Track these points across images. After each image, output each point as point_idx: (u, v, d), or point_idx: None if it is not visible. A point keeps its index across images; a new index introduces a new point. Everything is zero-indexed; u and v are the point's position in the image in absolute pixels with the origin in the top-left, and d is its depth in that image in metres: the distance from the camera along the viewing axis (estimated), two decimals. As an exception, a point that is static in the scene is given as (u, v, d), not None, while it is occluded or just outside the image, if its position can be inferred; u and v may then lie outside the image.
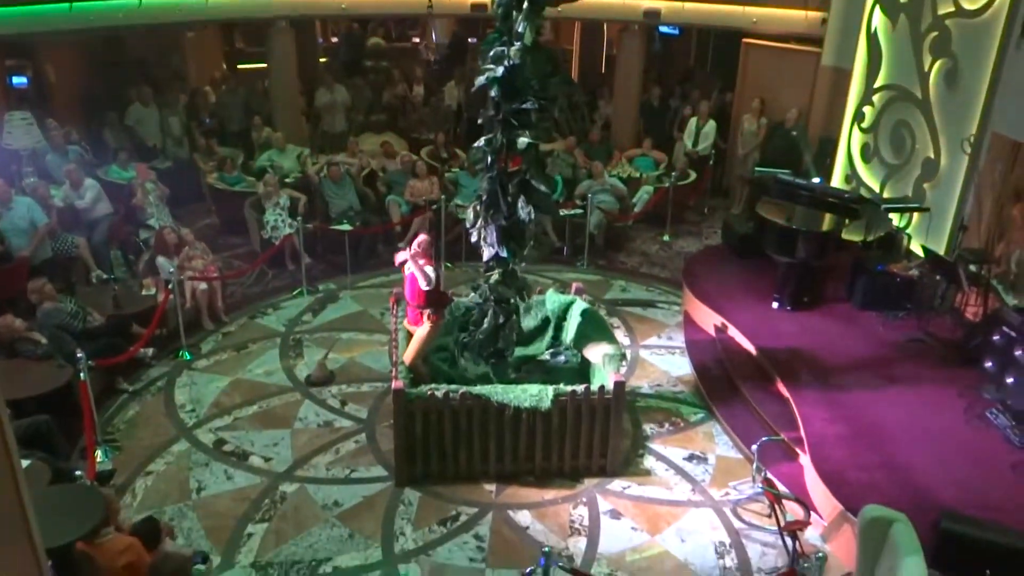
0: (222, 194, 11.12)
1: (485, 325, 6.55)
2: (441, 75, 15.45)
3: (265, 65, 12.97)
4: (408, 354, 6.59)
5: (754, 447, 6.43)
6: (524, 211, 6.15)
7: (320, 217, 10.56)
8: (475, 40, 18.65)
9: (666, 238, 11.64)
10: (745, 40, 12.46)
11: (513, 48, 5.85)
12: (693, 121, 12.57)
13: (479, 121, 6.21)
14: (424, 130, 13.72)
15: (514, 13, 5.82)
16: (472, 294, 6.77)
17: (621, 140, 13.23)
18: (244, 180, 11.36)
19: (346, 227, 10.09)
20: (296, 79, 12.78)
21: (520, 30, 5.79)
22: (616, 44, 14.26)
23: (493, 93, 6.03)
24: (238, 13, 12.15)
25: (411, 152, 12.36)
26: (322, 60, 16.62)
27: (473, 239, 6.42)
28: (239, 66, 15.72)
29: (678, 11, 12.43)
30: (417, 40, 18.59)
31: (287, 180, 11.28)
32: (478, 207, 6.30)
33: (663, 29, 15.66)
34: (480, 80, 6.02)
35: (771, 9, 11.86)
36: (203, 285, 8.63)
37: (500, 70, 5.89)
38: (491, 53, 5.96)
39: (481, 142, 6.18)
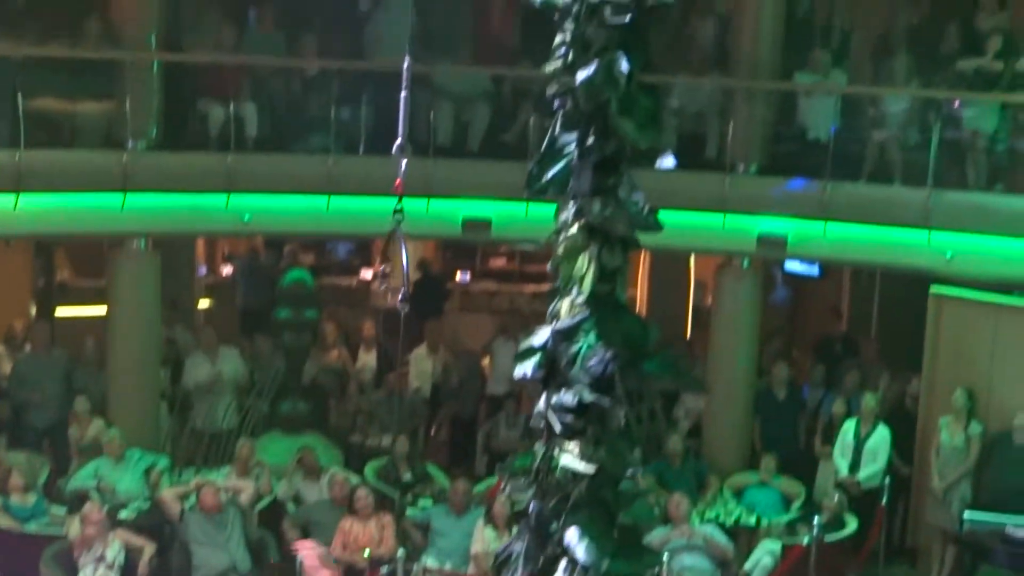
0: (3, 538, 11.10)
1: None
2: (406, 334, 16.02)
3: (104, 311, 13.56)
4: None
5: None
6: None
7: (177, 584, 10.48)
8: (467, 277, 19.62)
9: (808, 640, 11.42)
10: (936, 291, 13.00)
11: (568, 301, 6.15)
12: (850, 426, 12.76)
13: (519, 427, 6.37)
14: (373, 431, 13.97)
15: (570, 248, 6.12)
16: None
17: (721, 457, 13.43)
18: (46, 513, 11.37)
19: (223, 604, 9.98)
20: (156, 336, 13.31)
21: (580, 277, 6.08)
22: (711, 290, 14.91)
23: (527, 370, 6.23)
24: (68, 227, 12.91)
25: (349, 470, 12.50)
26: (202, 304, 17.32)
27: None
28: (59, 310, 16.37)
29: (816, 241, 13.16)
30: (369, 275, 19.46)
31: (123, 515, 11.30)
32: None
33: (792, 267, 16.43)
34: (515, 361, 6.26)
35: (976, 238, 12.50)
36: None
37: (540, 340, 6.15)
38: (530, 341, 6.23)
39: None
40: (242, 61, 13.55)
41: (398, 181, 7.33)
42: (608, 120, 6.08)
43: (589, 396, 6.08)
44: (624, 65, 5.94)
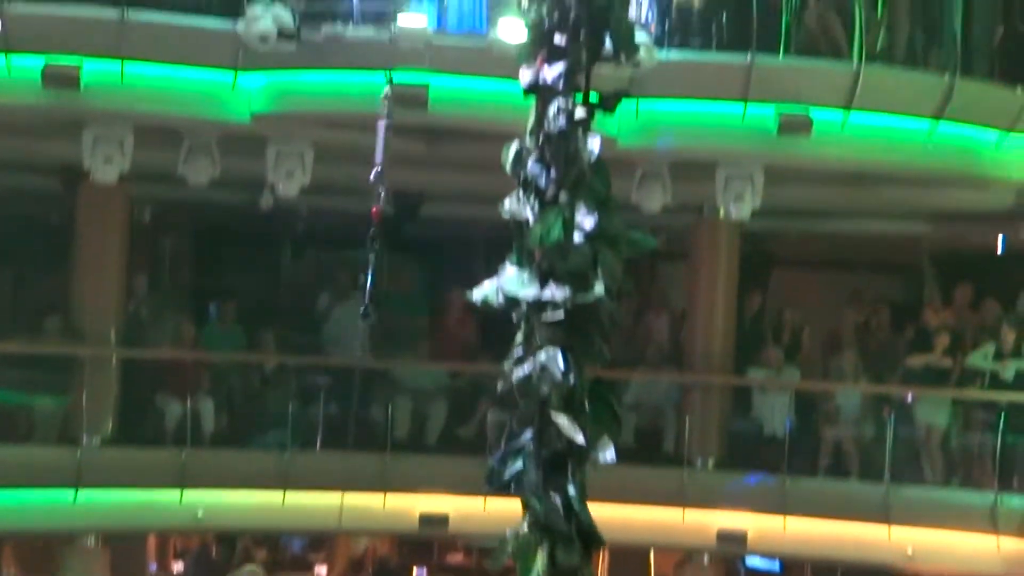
0: None
1: None
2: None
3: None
4: None
5: None
6: None
7: None
8: (423, 573, 19.26)
9: None
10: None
11: None
12: None
13: None
14: None
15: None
16: None
17: None
18: None
19: None
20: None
21: None
22: (673, 589, 14.76)
23: None
24: (17, 525, 12.74)
25: None
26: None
27: None
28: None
29: (776, 536, 13.12)
30: (323, 571, 19.20)
31: None
32: None
33: (753, 562, 16.23)
34: None
35: (938, 533, 12.57)
36: None
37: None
38: None
39: None
40: (201, 357, 13.62)
41: (375, 208, 7.36)
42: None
43: None
44: (560, 362, 6.02)
